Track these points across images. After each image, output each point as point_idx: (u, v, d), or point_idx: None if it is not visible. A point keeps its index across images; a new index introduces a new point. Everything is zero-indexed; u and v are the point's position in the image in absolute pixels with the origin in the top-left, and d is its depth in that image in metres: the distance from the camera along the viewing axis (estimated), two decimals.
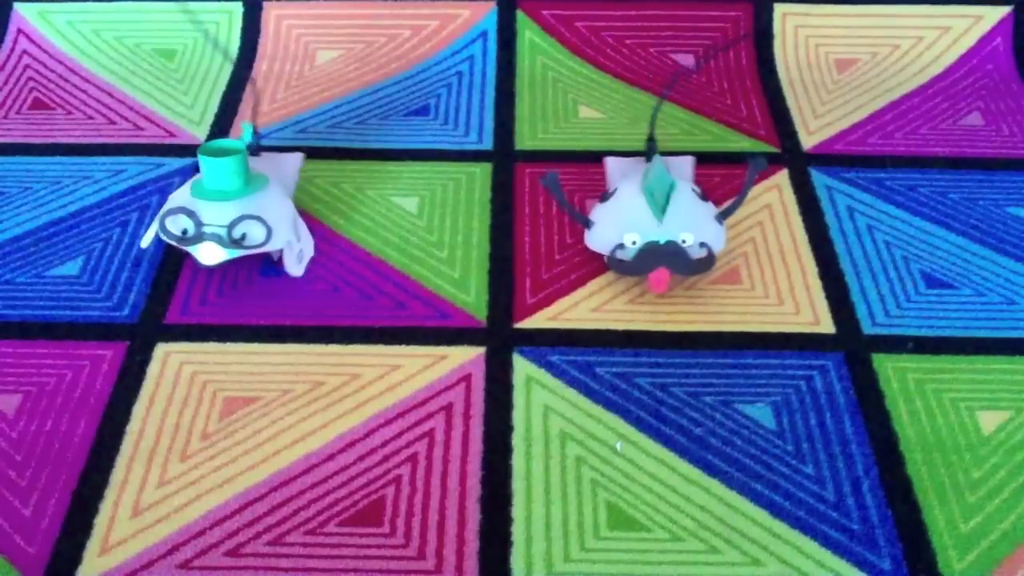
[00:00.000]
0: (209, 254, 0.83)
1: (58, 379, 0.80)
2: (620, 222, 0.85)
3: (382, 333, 0.84)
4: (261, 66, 1.17)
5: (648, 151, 1.01)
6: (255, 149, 0.99)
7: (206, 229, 0.82)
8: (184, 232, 0.83)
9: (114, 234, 0.94)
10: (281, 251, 0.87)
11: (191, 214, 0.82)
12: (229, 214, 0.83)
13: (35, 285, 0.89)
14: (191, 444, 0.76)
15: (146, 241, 0.88)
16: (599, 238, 0.86)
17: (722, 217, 0.86)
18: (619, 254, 0.84)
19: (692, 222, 0.84)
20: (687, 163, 1.00)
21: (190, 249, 0.83)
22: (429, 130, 1.09)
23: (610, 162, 1.01)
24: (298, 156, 1.00)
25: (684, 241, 0.83)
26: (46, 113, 1.11)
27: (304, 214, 0.96)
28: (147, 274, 0.90)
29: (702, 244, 0.83)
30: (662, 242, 0.83)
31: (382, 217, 0.97)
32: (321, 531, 0.70)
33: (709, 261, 0.84)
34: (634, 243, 0.83)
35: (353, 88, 1.14)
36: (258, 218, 0.83)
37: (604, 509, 0.72)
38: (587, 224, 0.87)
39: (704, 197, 0.87)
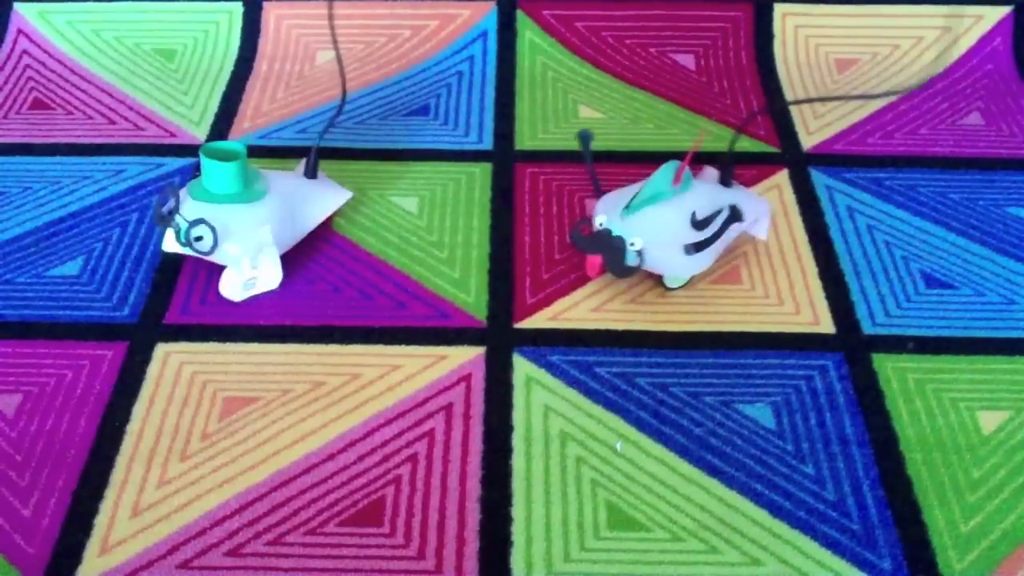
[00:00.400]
0: (168, 241, 0.86)
1: (58, 379, 0.80)
2: (608, 202, 0.87)
3: (382, 333, 0.84)
4: (261, 66, 1.17)
5: (723, 176, 0.92)
6: (313, 171, 0.94)
7: (176, 218, 0.84)
8: (167, 213, 0.84)
9: (114, 234, 0.94)
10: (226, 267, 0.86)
11: (178, 200, 0.84)
12: (194, 213, 0.84)
13: (35, 285, 0.89)
14: (191, 444, 0.76)
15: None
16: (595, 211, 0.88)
17: (692, 249, 0.83)
18: (584, 226, 0.86)
19: (651, 234, 0.83)
20: (760, 204, 0.90)
21: (164, 230, 0.86)
22: (429, 130, 1.09)
23: (707, 170, 0.95)
24: (344, 194, 0.95)
25: (632, 244, 0.83)
26: (46, 113, 1.11)
27: None
28: (147, 274, 0.90)
29: (639, 253, 0.83)
30: (613, 234, 0.83)
31: (382, 217, 0.97)
32: (321, 531, 0.70)
33: (632, 270, 0.83)
34: (600, 224, 0.85)
35: (353, 88, 1.14)
36: (212, 228, 0.83)
37: (604, 509, 0.72)
38: (597, 193, 0.89)
39: (702, 226, 0.84)
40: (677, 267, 0.85)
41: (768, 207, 0.91)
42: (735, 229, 0.87)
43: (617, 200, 0.86)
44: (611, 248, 0.83)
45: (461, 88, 1.15)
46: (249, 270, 0.86)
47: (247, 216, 0.85)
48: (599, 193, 0.89)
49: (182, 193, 0.86)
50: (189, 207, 0.85)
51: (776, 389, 0.80)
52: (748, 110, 1.12)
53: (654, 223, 0.83)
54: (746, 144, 1.07)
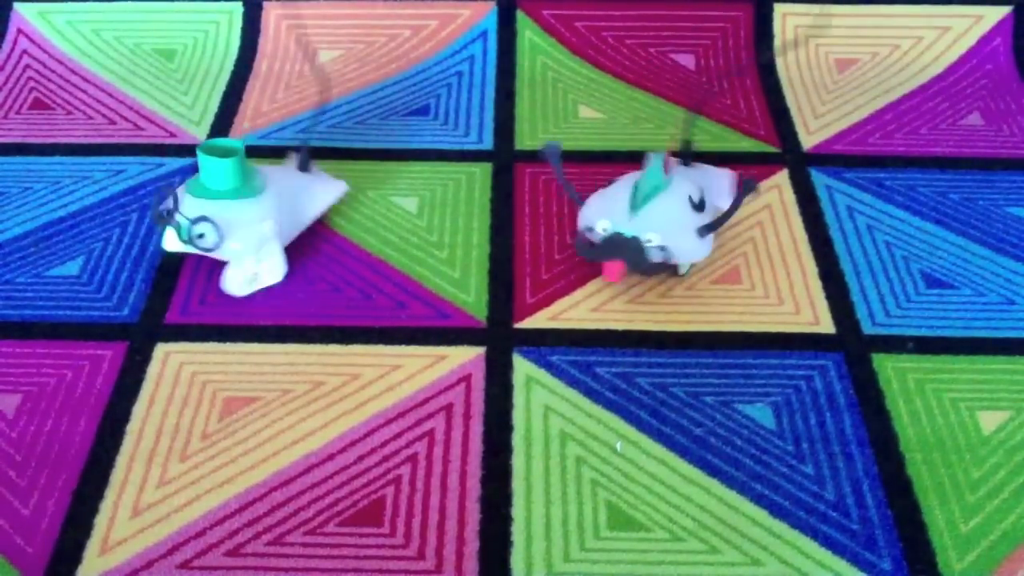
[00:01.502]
0: (169, 240, 0.86)
1: (58, 379, 0.80)
2: (600, 207, 0.86)
3: (382, 333, 0.84)
4: (261, 66, 1.17)
5: (682, 156, 0.96)
6: (305, 164, 0.95)
7: (177, 216, 0.84)
8: (165, 212, 0.84)
9: (114, 234, 0.94)
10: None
11: (175, 199, 0.84)
12: (195, 211, 0.84)
13: (35, 285, 0.89)
14: (191, 444, 0.76)
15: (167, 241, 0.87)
16: (581, 218, 0.87)
17: (705, 231, 0.85)
18: (587, 236, 0.85)
19: (665, 225, 0.83)
20: (724, 177, 0.95)
21: (164, 229, 0.86)
22: (429, 130, 1.09)
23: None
24: (340, 186, 0.95)
25: (649, 241, 0.82)
26: (46, 113, 1.11)
27: None
28: (147, 274, 0.90)
29: (662, 248, 0.83)
30: (627, 235, 0.83)
31: (382, 217, 0.97)
32: (321, 531, 0.70)
33: (661, 267, 0.84)
34: (604, 230, 0.84)
35: (353, 88, 1.14)
36: (214, 224, 0.83)
37: (604, 509, 0.72)
38: (579, 201, 0.88)
39: (701, 207, 0.86)
40: (695, 252, 0.85)
41: (732, 177, 0.94)
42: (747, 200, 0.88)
43: (607, 202, 0.86)
44: (631, 249, 0.82)
45: (461, 88, 1.15)
46: (252, 265, 0.86)
47: (248, 212, 0.85)
48: (580, 202, 0.88)
49: (180, 191, 0.86)
50: (189, 205, 0.85)
51: (776, 389, 0.80)
52: (748, 110, 1.12)
53: (664, 215, 0.83)
54: (746, 144, 1.07)
